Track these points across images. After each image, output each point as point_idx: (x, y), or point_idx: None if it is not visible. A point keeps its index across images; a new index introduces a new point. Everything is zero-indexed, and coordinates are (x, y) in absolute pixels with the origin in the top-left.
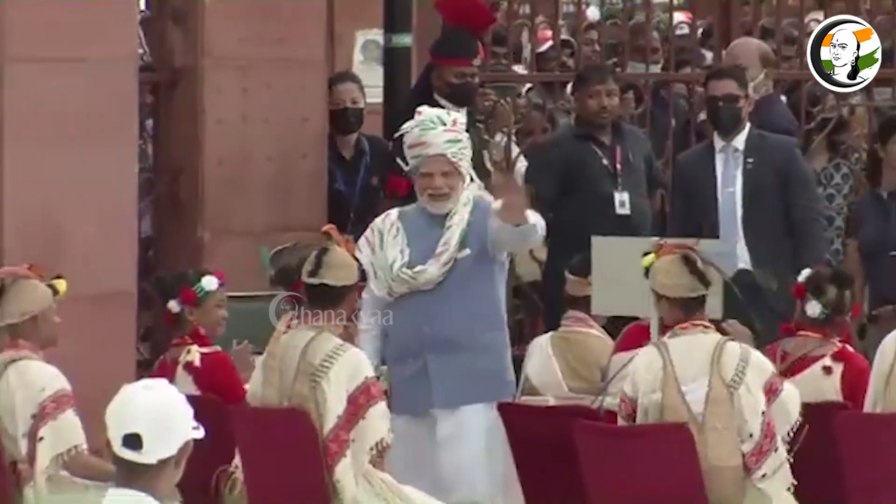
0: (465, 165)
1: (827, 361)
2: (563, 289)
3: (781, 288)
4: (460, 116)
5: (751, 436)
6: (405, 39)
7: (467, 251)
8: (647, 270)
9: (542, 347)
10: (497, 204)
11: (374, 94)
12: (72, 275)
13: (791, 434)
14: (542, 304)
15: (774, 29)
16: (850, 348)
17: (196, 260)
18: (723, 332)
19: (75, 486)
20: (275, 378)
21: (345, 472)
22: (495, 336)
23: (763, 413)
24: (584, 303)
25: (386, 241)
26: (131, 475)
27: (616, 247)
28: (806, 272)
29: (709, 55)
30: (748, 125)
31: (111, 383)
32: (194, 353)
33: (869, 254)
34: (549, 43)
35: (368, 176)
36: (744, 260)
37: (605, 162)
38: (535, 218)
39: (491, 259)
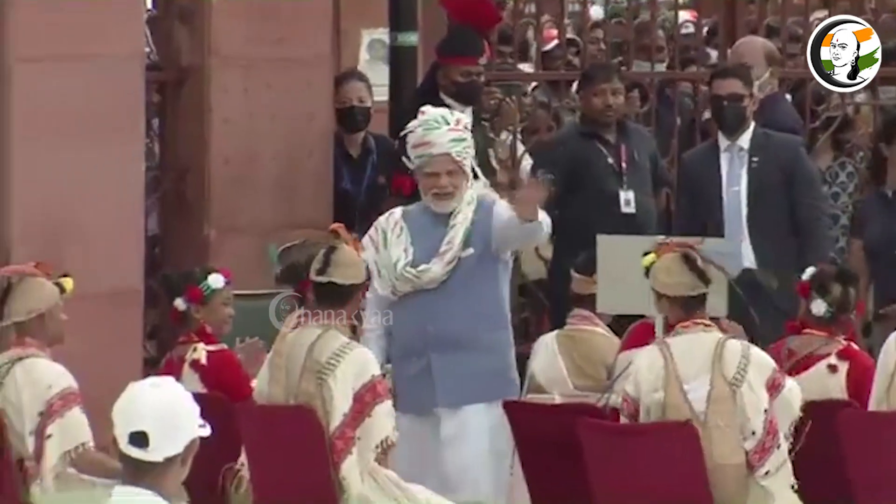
0: (469, 164)
1: (832, 360)
2: (568, 287)
3: (784, 286)
4: (463, 116)
5: (753, 433)
6: (411, 38)
7: (471, 250)
8: (647, 270)
9: (547, 345)
10: (521, 193)
11: (379, 92)
12: (78, 273)
13: (793, 430)
14: (547, 302)
15: (779, 27)
16: (855, 346)
17: (202, 258)
18: (723, 330)
19: (82, 484)
20: (281, 376)
21: (351, 469)
22: (499, 335)
23: (765, 410)
24: (589, 301)
25: (390, 240)
26: (137, 473)
27: (621, 245)
28: (810, 270)
29: (713, 54)
30: (753, 124)
31: (118, 381)
32: (200, 351)
33: (874, 253)
34: (555, 42)
35: (375, 175)
36: (749, 259)
37: (610, 160)
38: (542, 215)
39: (494, 258)
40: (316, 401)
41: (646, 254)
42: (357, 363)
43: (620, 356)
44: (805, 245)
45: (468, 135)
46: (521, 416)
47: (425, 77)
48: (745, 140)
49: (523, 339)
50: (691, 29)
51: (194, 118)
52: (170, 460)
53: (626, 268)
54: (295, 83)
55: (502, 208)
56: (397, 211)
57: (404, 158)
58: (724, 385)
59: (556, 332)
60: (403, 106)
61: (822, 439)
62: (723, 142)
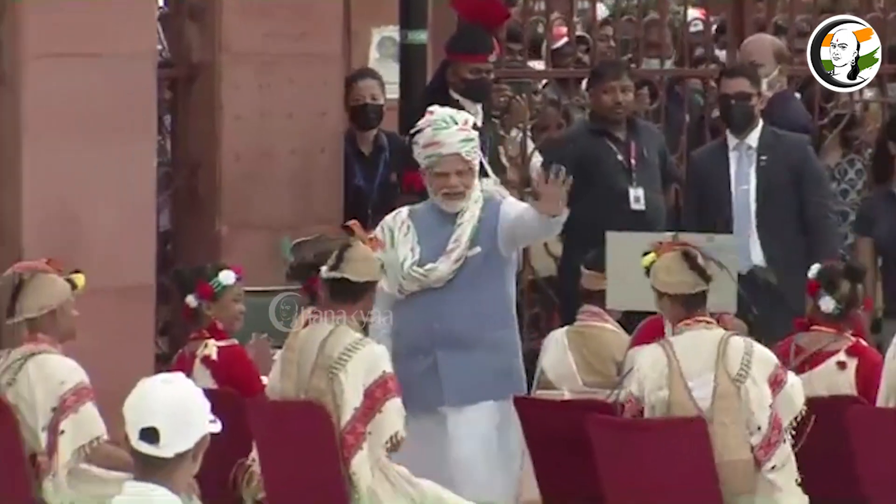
0: (477, 163)
1: (841, 356)
2: (578, 283)
3: (788, 283)
4: (471, 116)
5: (759, 428)
6: (421, 36)
7: (478, 249)
8: (647, 270)
9: (557, 341)
10: (543, 189)
11: (389, 90)
12: (91, 269)
13: (795, 425)
14: (557, 298)
15: (788, 25)
16: (863, 343)
17: (214, 254)
18: (725, 327)
19: (94, 479)
20: (293, 371)
21: (361, 464)
22: (505, 334)
23: (770, 406)
24: (599, 297)
25: (397, 238)
26: (148, 469)
27: (631, 242)
28: (817, 267)
29: (722, 52)
30: (761, 123)
31: (129, 377)
32: (211, 347)
33: (883, 251)
34: (565, 39)
35: (387, 172)
36: (757, 257)
37: (619, 157)
38: (564, 209)
39: (501, 257)
40: (326, 396)
41: (646, 253)
42: (368, 359)
43: (630, 352)
44: (814, 244)
45: (476, 134)
46: (530, 412)
47: (435, 75)
48: (753, 139)
49: (534, 335)
50: (700, 27)
51: (205, 115)
52: (181, 456)
53: (636, 264)
54: (306, 80)
55: (510, 206)
56: (404, 210)
57: (414, 154)
58: (729, 381)
59: (566, 328)
60: (413, 103)
61: (830, 436)
62: (731, 140)
